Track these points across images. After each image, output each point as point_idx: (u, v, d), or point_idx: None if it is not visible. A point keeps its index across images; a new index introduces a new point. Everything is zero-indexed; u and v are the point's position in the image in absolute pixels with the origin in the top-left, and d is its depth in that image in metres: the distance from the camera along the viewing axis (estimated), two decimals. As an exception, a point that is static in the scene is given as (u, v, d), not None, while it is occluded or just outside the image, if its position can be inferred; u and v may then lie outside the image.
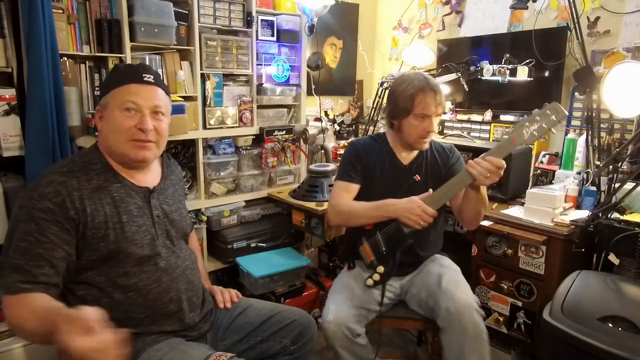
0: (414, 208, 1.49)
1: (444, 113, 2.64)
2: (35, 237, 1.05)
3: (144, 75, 1.20)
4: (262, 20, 2.42)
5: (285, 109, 2.63)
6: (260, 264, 2.28)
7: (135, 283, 1.17)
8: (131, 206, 1.19)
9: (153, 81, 1.21)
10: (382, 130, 3.11)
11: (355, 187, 1.69)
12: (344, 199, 1.67)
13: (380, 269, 1.59)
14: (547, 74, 2.30)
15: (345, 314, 1.51)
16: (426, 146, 1.68)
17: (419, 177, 1.71)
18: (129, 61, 1.94)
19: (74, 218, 1.09)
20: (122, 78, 1.19)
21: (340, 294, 1.61)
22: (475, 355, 1.46)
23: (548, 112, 1.39)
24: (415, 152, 1.73)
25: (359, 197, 1.69)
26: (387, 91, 1.64)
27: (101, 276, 1.15)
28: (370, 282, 1.60)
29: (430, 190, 1.54)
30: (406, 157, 1.73)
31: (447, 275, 1.61)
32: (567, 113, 1.65)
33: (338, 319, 1.50)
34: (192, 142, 2.30)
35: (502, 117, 2.52)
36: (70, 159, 1.20)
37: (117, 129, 1.16)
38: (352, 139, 1.74)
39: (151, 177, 1.28)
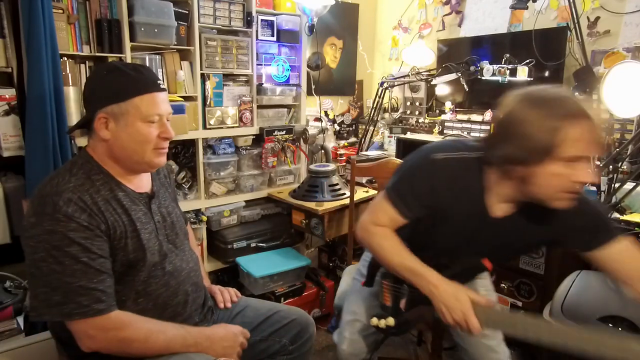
0: (456, 310, 1.10)
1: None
2: (85, 256, 1.04)
3: (158, 81, 1.18)
4: (262, 20, 2.42)
5: (285, 109, 2.63)
6: (260, 264, 2.28)
7: (144, 289, 1.17)
8: (139, 213, 1.18)
9: (165, 87, 1.20)
10: (388, 135, 3.09)
11: (402, 221, 1.23)
12: (381, 229, 1.24)
13: (390, 321, 1.30)
14: (547, 74, 2.30)
15: (360, 346, 1.42)
16: (567, 204, 1.07)
17: (489, 265, 1.22)
18: (129, 61, 1.94)
19: (105, 230, 1.08)
20: (140, 86, 1.13)
21: (357, 319, 1.43)
22: None
23: None
24: (515, 205, 1.17)
25: (412, 233, 1.26)
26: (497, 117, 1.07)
27: (117, 285, 1.13)
28: (374, 322, 1.32)
29: (493, 300, 1.17)
30: (500, 207, 1.18)
31: None
32: None
33: (353, 350, 1.41)
34: (192, 142, 2.31)
35: (502, 117, 2.52)
36: (67, 170, 1.13)
37: (144, 140, 1.14)
38: (434, 150, 1.21)
39: (145, 181, 1.27)
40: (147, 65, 2.04)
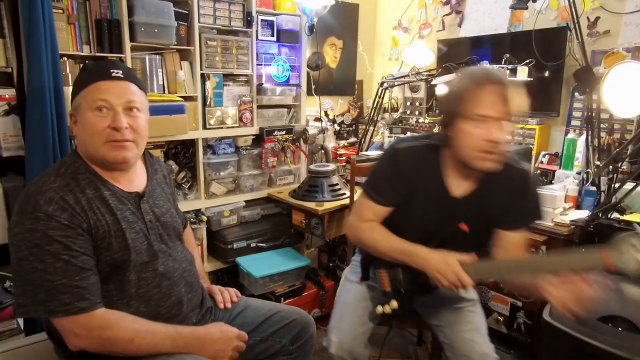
0: (448, 273, 1.20)
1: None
2: (67, 254, 1.03)
3: (111, 70, 1.14)
4: (262, 20, 2.42)
5: (285, 109, 2.63)
6: (260, 264, 2.28)
7: (136, 291, 1.16)
8: (126, 212, 1.16)
9: (122, 76, 1.16)
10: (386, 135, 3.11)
11: (384, 210, 1.37)
12: (367, 224, 1.37)
13: (394, 304, 1.38)
14: (547, 74, 2.30)
15: (349, 345, 1.41)
16: (488, 165, 1.21)
17: (466, 228, 1.33)
18: (129, 61, 1.94)
19: (87, 229, 1.08)
20: (90, 77, 1.13)
21: (345, 317, 1.46)
22: None
23: None
24: (474, 183, 1.31)
25: (389, 220, 1.39)
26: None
27: (104, 285, 1.12)
28: (379, 310, 1.40)
29: (475, 256, 1.22)
30: (459, 186, 1.32)
31: (469, 317, 1.44)
32: None
33: (341, 351, 1.40)
34: (192, 142, 2.31)
35: (502, 117, 2.52)
36: (55, 170, 1.13)
37: (92, 131, 1.11)
38: (398, 142, 1.38)
39: (137, 180, 1.25)
40: (147, 65, 2.05)
